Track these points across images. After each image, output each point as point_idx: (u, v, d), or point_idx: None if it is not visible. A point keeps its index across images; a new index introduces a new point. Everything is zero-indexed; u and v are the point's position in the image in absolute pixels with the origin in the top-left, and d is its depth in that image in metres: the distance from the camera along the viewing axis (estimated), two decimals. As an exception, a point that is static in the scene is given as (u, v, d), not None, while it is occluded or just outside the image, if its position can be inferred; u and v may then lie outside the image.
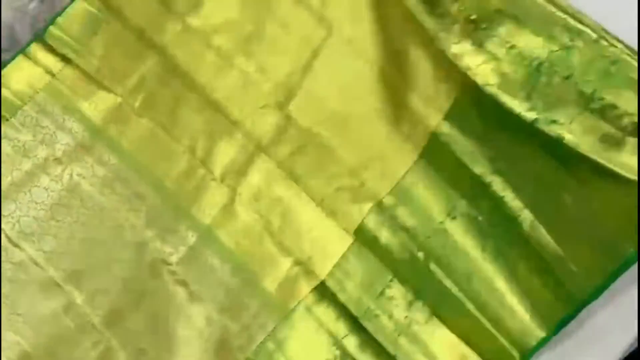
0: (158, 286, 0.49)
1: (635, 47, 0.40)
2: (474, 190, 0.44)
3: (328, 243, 0.48)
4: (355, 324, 0.46)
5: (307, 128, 0.49)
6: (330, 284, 0.47)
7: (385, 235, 0.46)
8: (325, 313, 0.47)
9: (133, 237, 0.51)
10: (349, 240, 0.47)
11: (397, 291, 0.46)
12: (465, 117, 0.44)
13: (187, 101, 0.52)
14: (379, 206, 0.47)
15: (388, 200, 0.47)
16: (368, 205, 0.47)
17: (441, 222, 0.45)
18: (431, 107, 0.45)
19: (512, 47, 0.41)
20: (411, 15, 0.44)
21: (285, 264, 0.48)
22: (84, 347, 0.48)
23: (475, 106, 0.44)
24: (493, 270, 0.43)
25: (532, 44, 0.41)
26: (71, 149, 0.53)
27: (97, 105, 0.54)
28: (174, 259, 0.49)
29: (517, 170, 0.43)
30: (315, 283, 0.47)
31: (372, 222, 0.47)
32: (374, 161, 0.48)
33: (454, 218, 0.45)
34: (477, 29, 0.42)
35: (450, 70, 0.44)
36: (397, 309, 0.45)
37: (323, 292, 0.47)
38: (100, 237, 0.51)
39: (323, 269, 0.47)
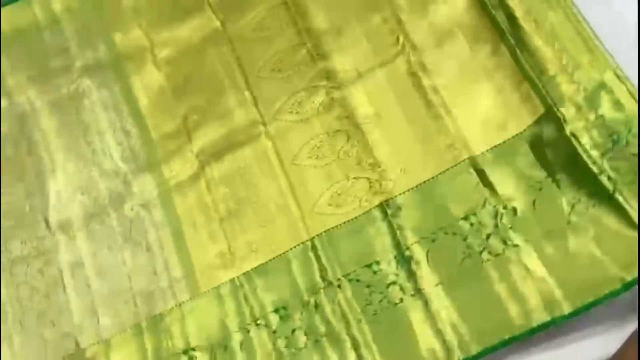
0: (111, 216, 0.54)
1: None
2: (476, 209, 0.47)
3: (265, 245, 0.51)
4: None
5: (350, 115, 0.53)
6: (242, 280, 0.50)
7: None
8: (233, 304, 0.50)
9: (106, 162, 0.56)
10: (286, 247, 0.51)
11: (276, 319, 0.49)
12: (505, 158, 0.48)
13: (209, 76, 0.57)
14: (387, 203, 0.49)
15: (398, 200, 0.49)
16: (378, 199, 0.50)
17: (433, 233, 0.48)
18: (481, 141, 0.49)
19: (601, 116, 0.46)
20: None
21: (216, 249, 0.53)
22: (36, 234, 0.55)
23: (518, 154, 0.48)
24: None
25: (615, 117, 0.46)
26: (89, 64, 0.59)
27: (125, 39, 0.59)
28: (134, 200, 0.55)
29: (531, 208, 0.46)
30: (231, 276, 0.51)
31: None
32: (400, 164, 0.51)
33: (445, 233, 0.48)
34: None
35: (510, 114, 0.49)
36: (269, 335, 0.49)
37: (235, 287, 0.51)
38: (76, 148, 0.57)
39: (242, 267, 0.51)
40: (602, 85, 0.46)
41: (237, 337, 0.49)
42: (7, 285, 0.54)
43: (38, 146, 0.57)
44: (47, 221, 0.55)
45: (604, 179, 0.44)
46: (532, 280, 0.45)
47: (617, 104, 0.46)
